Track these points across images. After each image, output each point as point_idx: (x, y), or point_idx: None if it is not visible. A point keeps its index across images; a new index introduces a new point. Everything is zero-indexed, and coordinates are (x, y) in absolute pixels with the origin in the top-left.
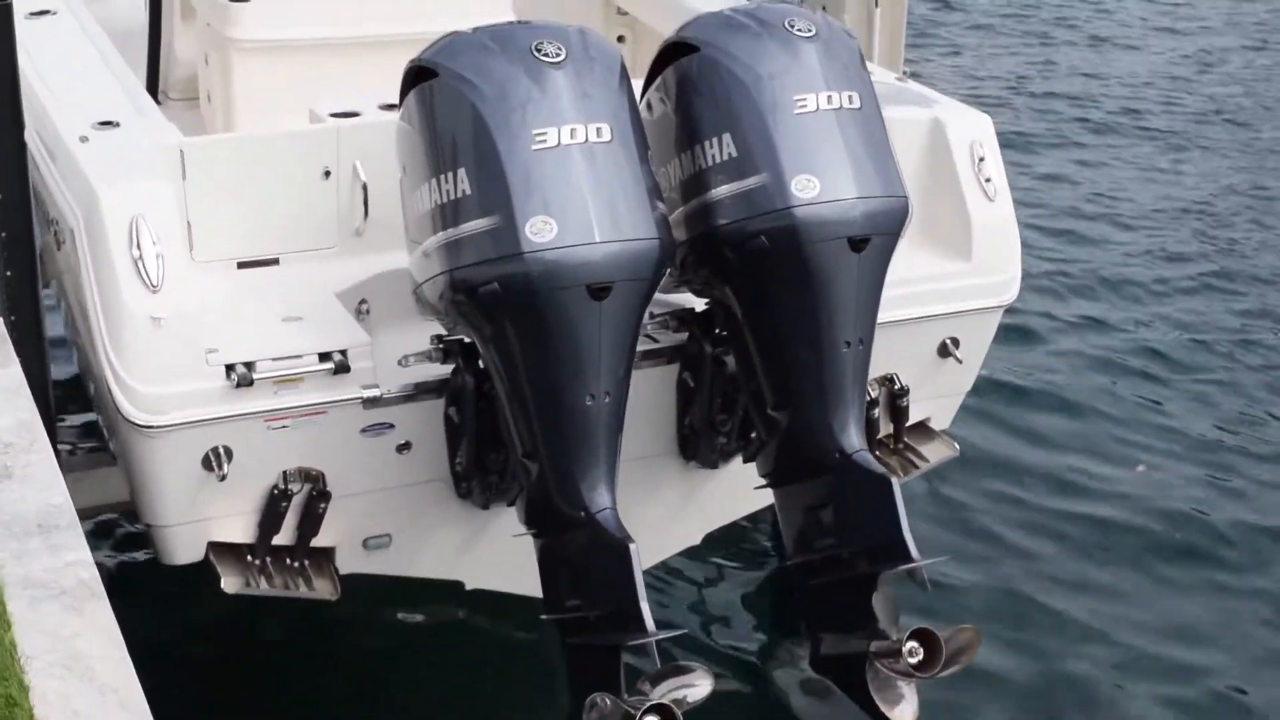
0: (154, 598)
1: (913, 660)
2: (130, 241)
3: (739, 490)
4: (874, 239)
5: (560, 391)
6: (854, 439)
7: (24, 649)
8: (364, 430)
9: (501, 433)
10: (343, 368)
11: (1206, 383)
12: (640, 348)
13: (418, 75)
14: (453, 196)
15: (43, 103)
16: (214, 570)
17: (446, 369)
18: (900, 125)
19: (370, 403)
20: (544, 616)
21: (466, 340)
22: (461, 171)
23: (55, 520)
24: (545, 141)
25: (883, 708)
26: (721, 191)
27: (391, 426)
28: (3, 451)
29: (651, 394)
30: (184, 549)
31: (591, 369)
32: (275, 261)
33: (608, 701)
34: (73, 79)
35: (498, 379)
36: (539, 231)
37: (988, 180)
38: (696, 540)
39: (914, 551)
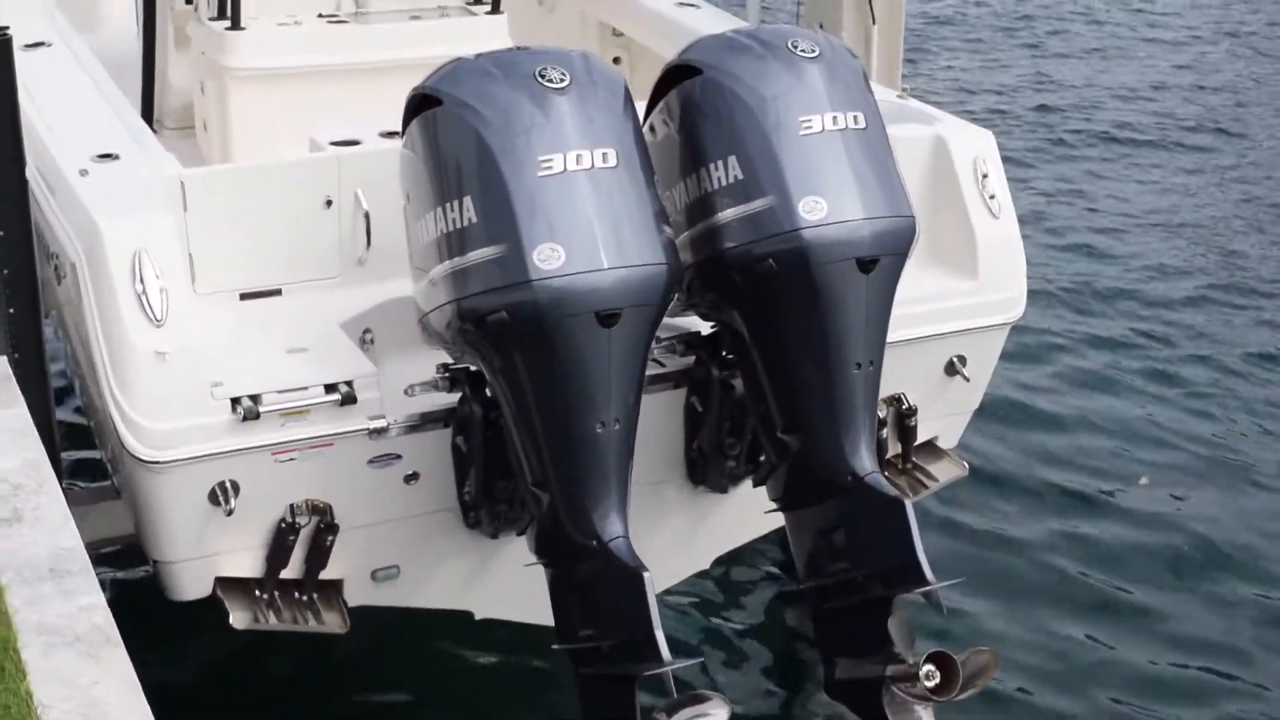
0: (164, 634)
1: (930, 684)
2: (133, 275)
3: (748, 514)
4: (882, 259)
5: (570, 420)
6: (866, 461)
7: (40, 698)
8: (371, 461)
9: (510, 461)
10: (349, 399)
11: (1208, 395)
12: (647, 372)
13: (421, 103)
14: (459, 225)
15: (40, 136)
16: (222, 605)
17: (453, 398)
18: (902, 143)
19: (377, 434)
20: (556, 647)
21: (473, 369)
22: (467, 199)
23: (67, 564)
24: (551, 168)
25: None
26: (728, 214)
27: (399, 457)
28: (11, 494)
29: (659, 419)
30: (191, 584)
31: (601, 396)
32: (278, 292)
33: None
34: (70, 111)
35: (506, 408)
36: (546, 259)
37: (991, 197)
38: (706, 565)
39: (929, 574)
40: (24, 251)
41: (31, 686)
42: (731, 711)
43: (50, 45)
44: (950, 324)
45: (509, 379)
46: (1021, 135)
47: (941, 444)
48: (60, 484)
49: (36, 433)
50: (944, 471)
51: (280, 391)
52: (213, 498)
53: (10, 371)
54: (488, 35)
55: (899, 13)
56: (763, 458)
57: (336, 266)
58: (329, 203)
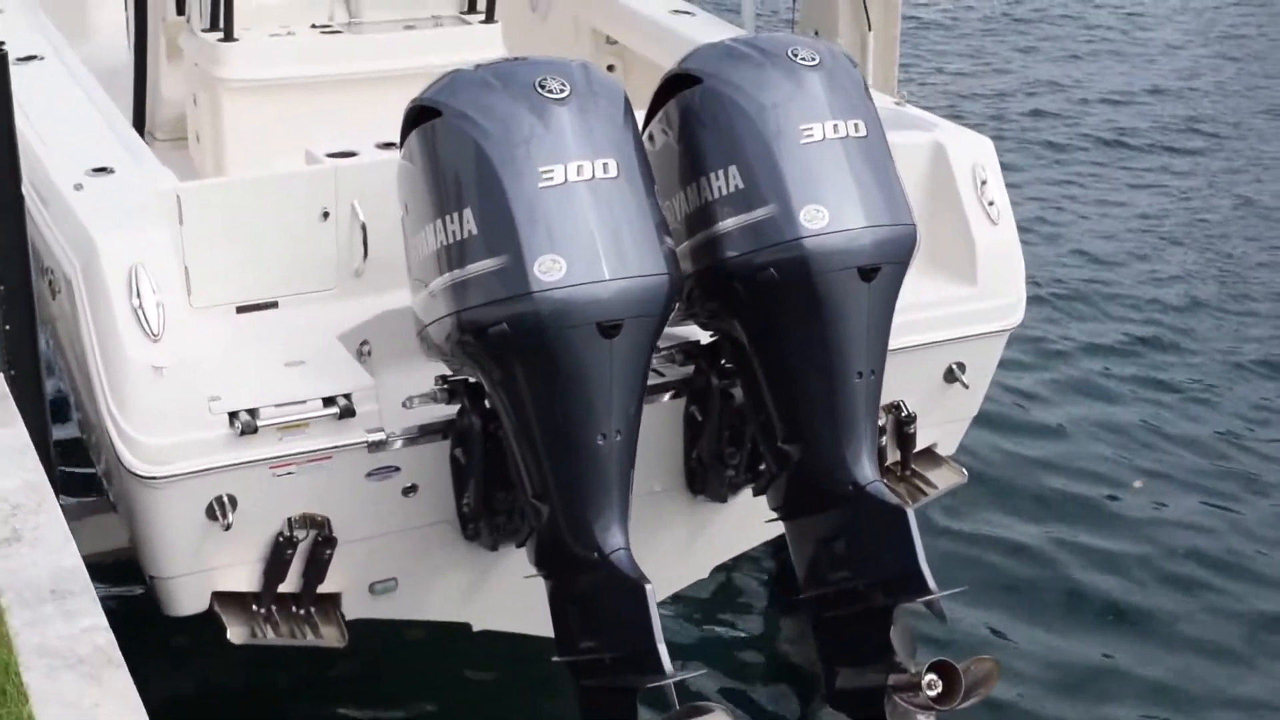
0: (164, 651)
1: (932, 693)
2: (130, 290)
3: (746, 522)
4: (884, 268)
5: (572, 431)
6: (867, 470)
7: None
8: (369, 474)
9: (509, 473)
10: (348, 412)
11: (1203, 400)
12: (647, 382)
13: (420, 115)
14: (459, 237)
15: (35, 150)
16: (219, 621)
17: (451, 410)
18: (901, 150)
19: (376, 446)
20: (556, 658)
21: (471, 380)
22: (467, 211)
23: (68, 585)
24: (552, 179)
25: None
26: (729, 224)
27: (397, 469)
28: (11, 514)
29: (658, 428)
30: (188, 600)
31: (603, 408)
32: (275, 305)
33: None
34: (63, 125)
35: (507, 420)
36: (548, 270)
37: (990, 203)
38: (705, 574)
39: (931, 583)
40: (20, 267)
41: (34, 710)
42: None
43: (43, 58)
44: (949, 331)
45: (509, 391)
46: (1013, 140)
47: (940, 451)
48: (58, 502)
49: (35, 452)
50: (943, 478)
51: (278, 405)
52: (210, 513)
53: (7, 390)
54: (482, 44)
55: (895, 18)
56: (762, 467)
57: (333, 278)
58: (326, 215)
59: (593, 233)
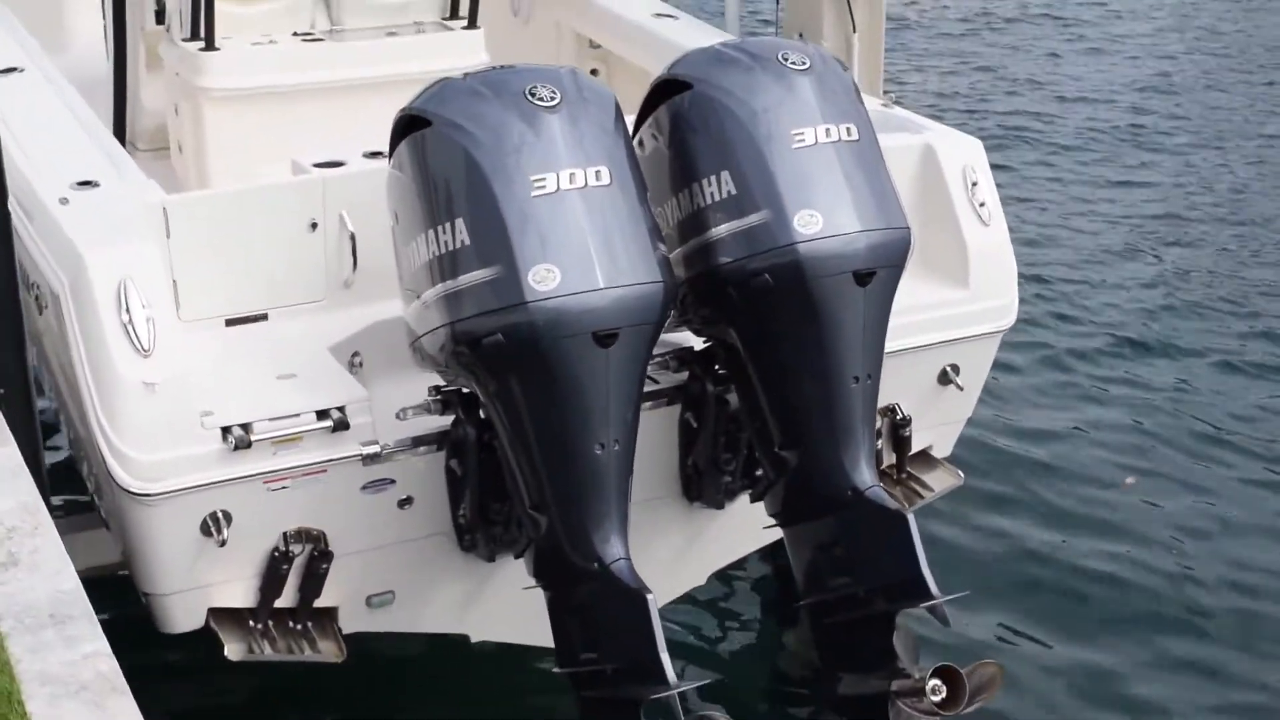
0: (161, 668)
1: (936, 698)
2: (119, 305)
3: (743, 528)
4: (879, 272)
5: (569, 442)
6: (866, 475)
7: None
8: (365, 487)
9: (505, 484)
10: (342, 425)
11: (1191, 397)
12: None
13: (409, 124)
14: (451, 247)
15: (18, 163)
16: (216, 637)
17: (445, 421)
18: (891, 152)
19: (370, 459)
20: (557, 670)
21: (465, 390)
22: (459, 221)
23: (68, 609)
24: (544, 187)
25: None
26: (722, 230)
27: (392, 482)
28: (6, 537)
29: (653, 436)
30: (184, 617)
31: (600, 417)
32: (264, 317)
33: None
34: (47, 137)
35: (503, 431)
36: (542, 280)
37: (981, 205)
38: (702, 581)
39: (934, 588)
40: (8, 284)
41: None
42: None
43: (23, 70)
44: (943, 333)
45: (505, 401)
46: (994, 139)
47: (935, 453)
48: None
49: (29, 473)
50: (939, 481)
51: (272, 419)
52: (204, 529)
53: None
54: (464, 50)
55: (879, 20)
56: (759, 473)
57: (323, 289)
58: (314, 225)
59: (586, 241)
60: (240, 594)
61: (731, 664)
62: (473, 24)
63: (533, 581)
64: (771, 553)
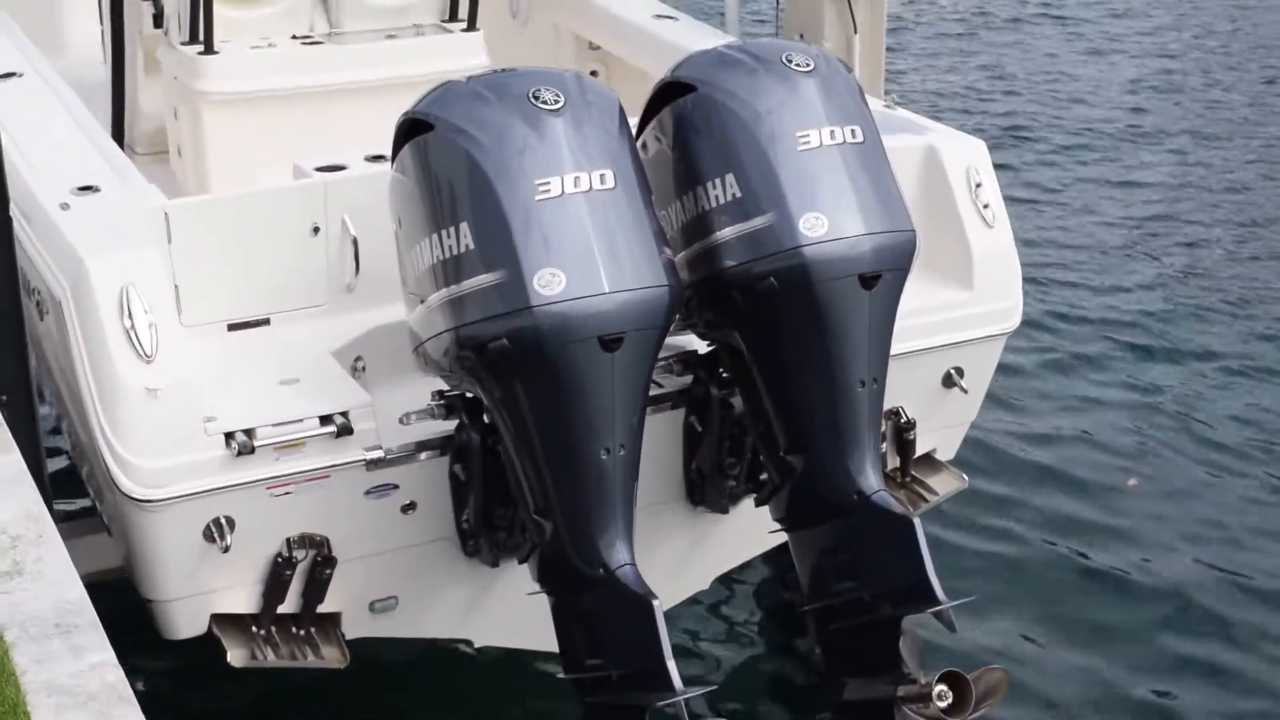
0: (164, 674)
1: (942, 704)
2: (121, 311)
3: (747, 532)
4: (885, 275)
5: (574, 447)
6: (872, 480)
7: None
8: (368, 492)
9: (510, 489)
10: (345, 430)
11: (1193, 399)
12: None
13: (412, 128)
14: (455, 252)
15: (18, 168)
16: (218, 643)
17: (449, 425)
18: (894, 154)
19: (374, 464)
20: (562, 675)
21: (469, 395)
22: (464, 226)
23: (74, 619)
24: (548, 191)
25: None
26: (726, 233)
27: (396, 487)
28: (10, 546)
29: (656, 440)
30: (186, 623)
31: (605, 422)
32: (266, 322)
33: None
34: (46, 142)
35: (507, 436)
36: (547, 284)
37: (985, 206)
38: (705, 585)
39: (940, 594)
40: (10, 291)
41: None
42: None
43: (22, 75)
44: (947, 336)
45: (510, 407)
46: (991, 140)
47: (939, 456)
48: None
49: (32, 480)
50: (943, 484)
51: (275, 425)
52: (208, 535)
53: (1, 418)
54: (464, 52)
55: (880, 20)
56: (763, 477)
57: (325, 294)
58: (316, 230)
59: (591, 245)
60: (243, 600)
61: (735, 669)
62: (472, 26)
63: (537, 587)
64: (775, 557)
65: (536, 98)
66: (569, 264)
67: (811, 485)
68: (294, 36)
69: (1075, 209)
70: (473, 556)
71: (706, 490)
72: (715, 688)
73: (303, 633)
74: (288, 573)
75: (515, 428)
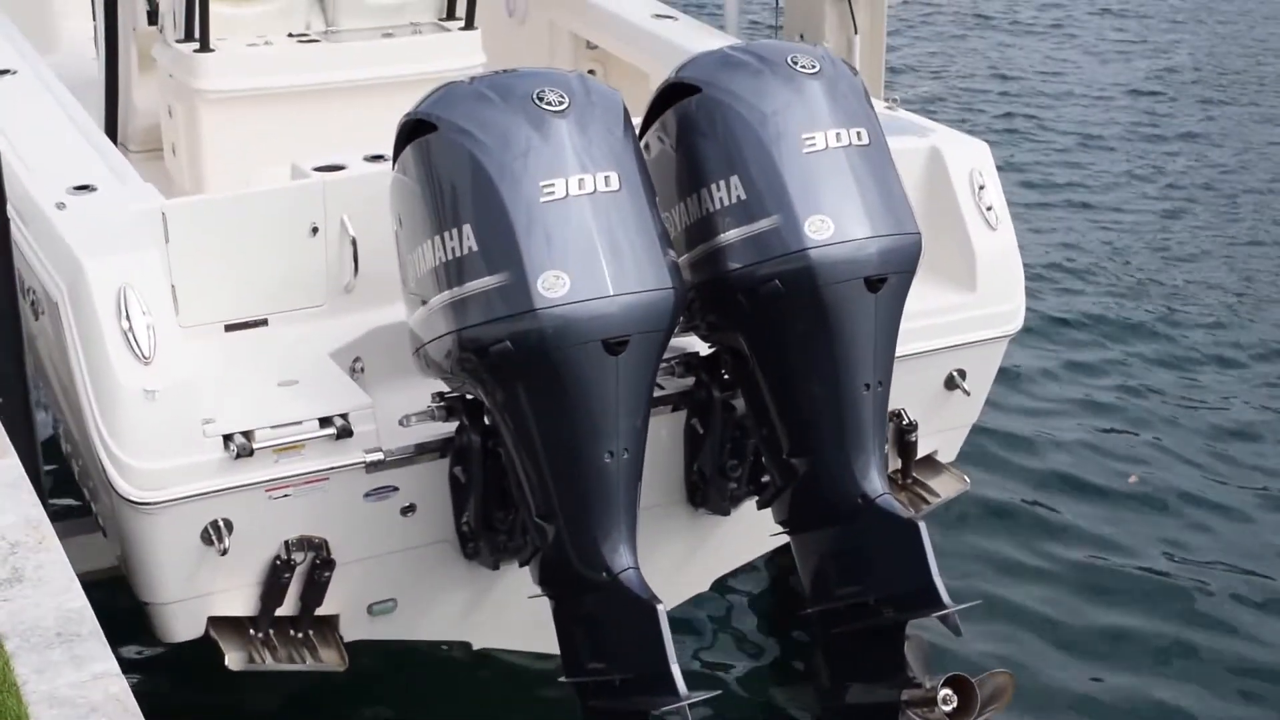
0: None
1: (947, 708)
2: (119, 313)
3: (748, 534)
4: (890, 278)
5: (578, 450)
6: (876, 483)
7: None
8: (367, 495)
9: (510, 491)
10: (345, 432)
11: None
12: None
13: (415, 129)
14: (458, 254)
15: (13, 167)
16: (216, 646)
17: (449, 427)
18: (897, 155)
19: (373, 467)
20: (563, 679)
21: (469, 397)
22: (466, 228)
23: (76, 628)
24: (553, 193)
25: None
26: (731, 235)
27: (395, 489)
28: (10, 552)
29: (657, 442)
30: (184, 626)
31: (609, 425)
32: (264, 322)
33: None
34: (42, 141)
35: (509, 439)
36: (551, 287)
37: (989, 208)
38: (706, 587)
39: (946, 598)
40: (7, 293)
41: None
42: None
43: (16, 73)
44: (950, 338)
45: (513, 409)
46: (988, 141)
47: (941, 458)
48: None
49: (30, 485)
50: (945, 486)
51: (274, 427)
52: (205, 537)
53: None
54: (462, 51)
55: (881, 21)
56: (765, 479)
57: (323, 294)
58: (315, 230)
59: (596, 247)
60: (241, 603)
61: (737, 673)
62: (469, 24)
63: (537, 589)
64: (777, 560)
65: (540, 99)
66: (573, 266)
67: (815, 488)
68: (290, 34)
69: (1072, 207)
70: (473, 559)
71: (708, 492)
72: (719, 693)
73: (301, 635)
74: (286, 575)
75: (518, 431)
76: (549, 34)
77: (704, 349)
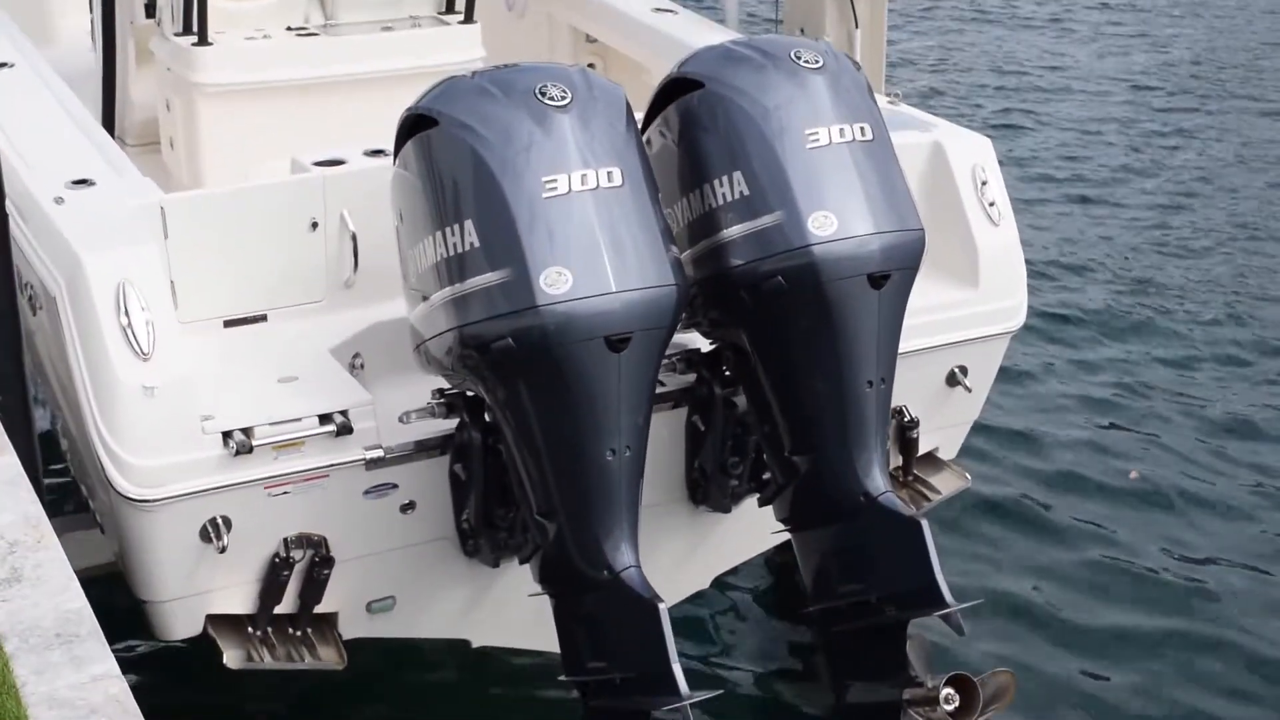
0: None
1: (949, 707)
2: (118, 308)
3: (748, 532)
4: (894, 274)
5: (579, 448)
6: (879, 481)
7: None
8: (367, 492)
9: (511, 488)
10: (345, 429)
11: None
12: None
13: (416, 124)
14: (460, 250)
15: (11, 161)
16: (214, 644)
17: (449, 424)
18: (900, 151)
19: (373, 464)
20: (564, 678)
21: (469, 393)
22: (468, 223)
23: (75, 629)
24: (555, 189)
25: None
26: (734, 231)
27: (395, 486)
28: (9, 551)
29: (658, 439)
30: (182, 624)
31: (612, 423)
32: (263, 318)
33: None
34: (40, 134)
35: (510, 436)
36: (553, 283)
37: (991, 204)
38: (706, 585)
39: (948, 596)
40: (5, 288)
41: None
42: None
43: (13, 66)
44: (952, 334)
45: (514, 407)
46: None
47: (942, 455)
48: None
49: (29, 483)
50: (946, 483)
51: (273, 423)
52: (204, 535)
53: None
54: (461, 45)
55: (882, 15)
56: (766, 476)
57: (323, 290)
58: (315, 225)
59: (598, 243)
60: (239, 600)
61: (738, 672)
62: (469, 18)
63: (536, 587)
64: (778, 558)
65: (543, 94)
66: (575, 263)
67: (818, 486)
68: (289, 28)
69: (1069, 204)
70: (473, 556)
71: (709, 489)
72: (721, 692)
73: (299, 633)
74: (285, 573)
75: (519, 428)
76: (548, 28)
77: (705, 345)
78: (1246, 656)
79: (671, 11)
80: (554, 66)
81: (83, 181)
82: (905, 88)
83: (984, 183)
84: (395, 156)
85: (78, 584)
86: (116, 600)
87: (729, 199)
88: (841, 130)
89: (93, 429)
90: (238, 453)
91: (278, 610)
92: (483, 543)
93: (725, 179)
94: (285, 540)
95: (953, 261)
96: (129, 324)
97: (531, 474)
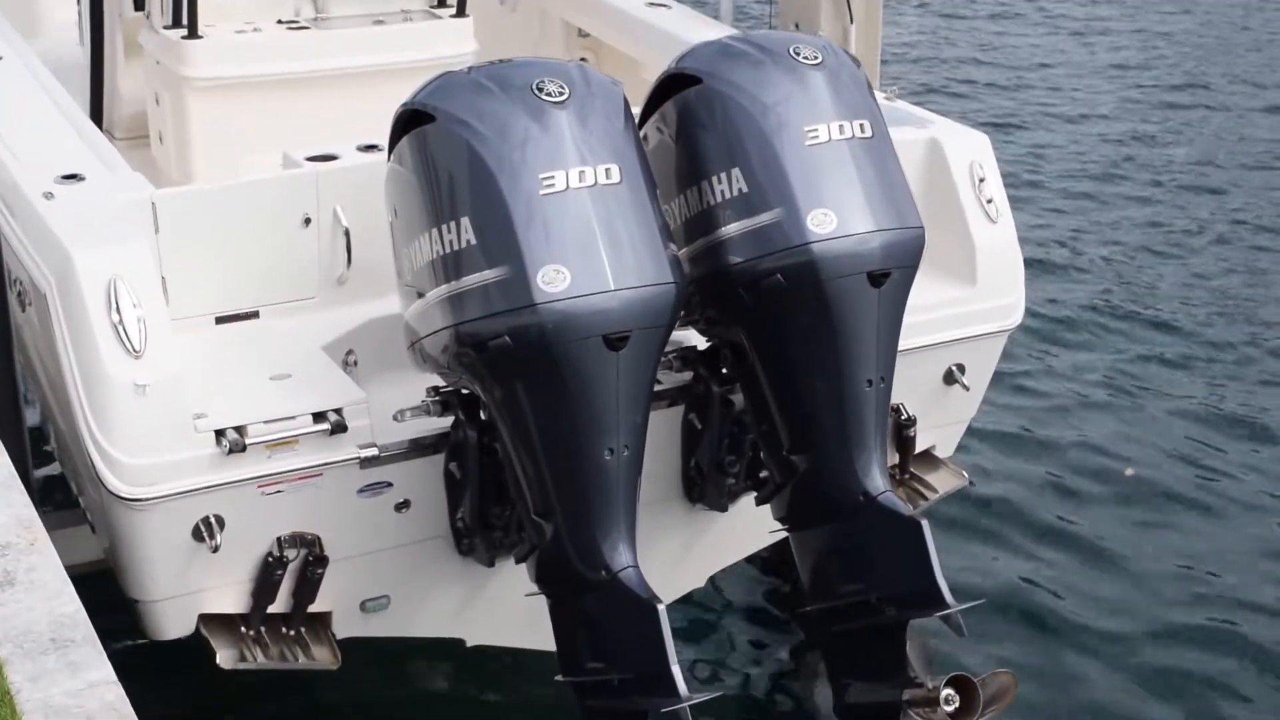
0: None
1: (949, 708)
2: (109, 305)
3: (744, 530)
4: (893, 273)
5: (577, 447)
6: (878, 480)
7: None
8: (361, 491)
9: (507, 487)
10: (339, 427)
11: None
12: None
13: (412, 119)
14: (456, 247)
15: (0, 156)
16: (207, 644)
17: (444, 423)
18: (897, 147)
19: (367, 462)
20: (560, 678)
21: (464, 391)
22: (465, 220)
23: (70, 634)
24: (553, 186)
25: None
26: (732, 229)
27: (389, 485)
28: (0, 554)
29: (655, 437)
30: (174, 623)
31: (610, 422)
32: (255, 315)
33: None
34: (28, 128)
35: (507, 435)
36: (551, 281)
37: (989, 201)
38: (701, 583)
39: (948, 597)
40: None
41: None
42: None
43: (1, 58)
44: (950, 332)
45: (511, 405)
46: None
47: (938, 453)
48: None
49: (20, 484)
50: (943, 482)
51: (267, 422)
52: (197, 534)
53: None
54: (453, 39)
55: (877, 11)
56: (763, 474)
57: (315, 286)
58: (307, 221)
59: (596, 241)
60: (232, 600)
61: (737, 672)
62: (461, 12)
63: (532, 586)
64: (775, 557)
65: (540, 89)
66: (573, 260)
67: (816, 485)
68: (279, 21)
69: (1067, 201)
70: (467, 555)
71: (705, 488)
72: (720, 693)
73: (293, 633)
74: (278, 572)
75: (516, 427)
76: (540, 21)
77: (702, 343)
78: (1246, 656)
79: (665, 6)
80: (551, 62)
81: (73, 176)
82: (898, 84)
83: (982, 180)
84: (390, 152)
85: (71, 587)
86: (107, 598)
87: (727, 196)
88: (841, 127)
89: (84, 427)
90: (230, 451)
91: (271, 610)
92: (478, 542)
93: (723, 176)
94: (279, 539)
95: (950, 259)
96: (120, 321)
97: (528, 473)
